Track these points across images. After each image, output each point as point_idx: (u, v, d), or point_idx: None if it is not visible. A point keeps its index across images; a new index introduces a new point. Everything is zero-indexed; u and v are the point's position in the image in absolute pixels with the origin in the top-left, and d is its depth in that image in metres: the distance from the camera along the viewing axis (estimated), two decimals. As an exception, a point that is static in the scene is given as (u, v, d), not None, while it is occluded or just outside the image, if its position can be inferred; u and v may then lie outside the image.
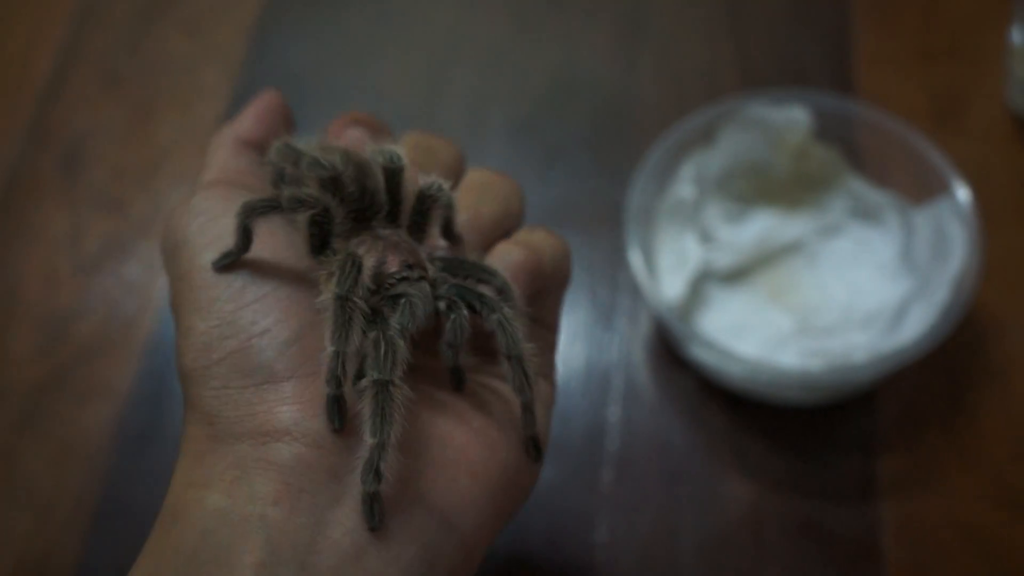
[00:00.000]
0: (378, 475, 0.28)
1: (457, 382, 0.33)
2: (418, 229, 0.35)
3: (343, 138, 0.39)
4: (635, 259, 0.52)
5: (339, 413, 0.29)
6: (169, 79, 0.69)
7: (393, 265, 0.33)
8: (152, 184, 0.65)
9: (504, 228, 0.38)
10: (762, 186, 0.59)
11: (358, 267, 0.30)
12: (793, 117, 0.57)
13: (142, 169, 0.65)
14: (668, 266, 0.56)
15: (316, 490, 0.28)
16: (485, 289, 0.33)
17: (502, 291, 0.33)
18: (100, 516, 0.54)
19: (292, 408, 0.30)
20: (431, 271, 0.34)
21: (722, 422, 0.54)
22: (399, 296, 0.32)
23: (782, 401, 0.53)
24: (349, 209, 0.34)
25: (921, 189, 0.55)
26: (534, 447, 0.34)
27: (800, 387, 0.52)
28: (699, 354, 0.53)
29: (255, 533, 0.27)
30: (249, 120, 0.38)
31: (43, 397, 0.57)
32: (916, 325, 0.52)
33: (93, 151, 0.66)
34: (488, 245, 0.37)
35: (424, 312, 0.32)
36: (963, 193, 0.53)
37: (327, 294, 0.30)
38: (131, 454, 0.55)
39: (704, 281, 0.56)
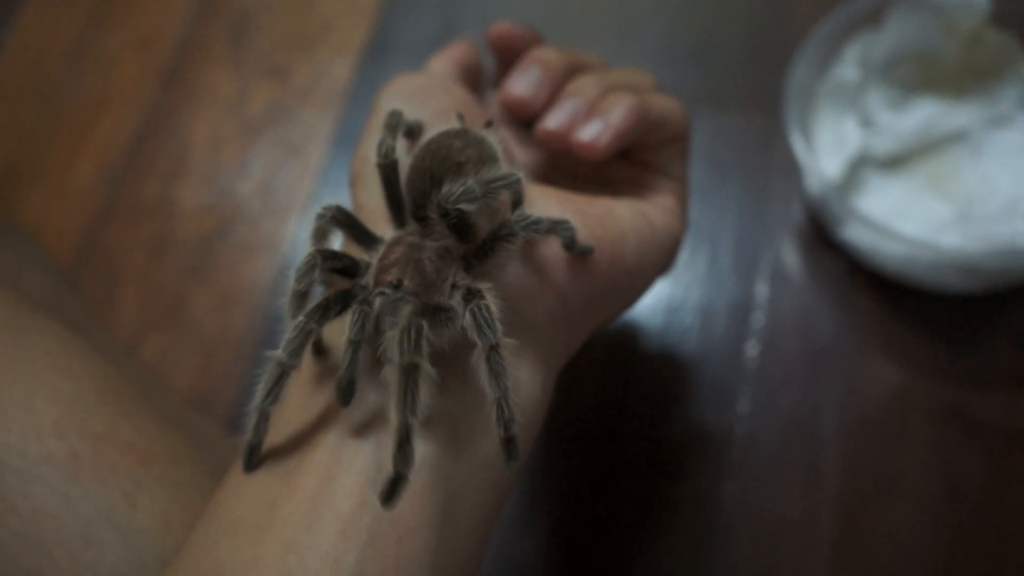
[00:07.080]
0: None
1: (343, 396, 0.31)
2: (484, 256, 0.34)
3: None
4: (795, 135, 0.51)
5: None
6: (331, -46, 0.71)
7: (385, 278, 0.33)
8: (313, 54, 0.67)
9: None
10: (929, 74, 0.57)
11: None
12: (970, 0, 0.55)
13: (304, 39, 0.67)
14: (825, 148, 0.55)
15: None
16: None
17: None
18: (258, 360, 0.57)
19: None
20: (440, 297, 0.33)
21: (871, 306, 0.53)
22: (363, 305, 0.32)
23: (937, 287, 0.52)
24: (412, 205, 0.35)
25: (1104, 78, 0.53)
26: (510, 449, 0.31)
27: (959, 270, 0.50)
28: (853, 235, 0.52)
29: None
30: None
31: (210, 248, 0.61)
32: (1088, 216, 0.50)
33: (259, 21, 0.68)
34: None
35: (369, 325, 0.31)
36: None
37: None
38: (289, 306, 0.58)
39: (862, 166, 0.55)
